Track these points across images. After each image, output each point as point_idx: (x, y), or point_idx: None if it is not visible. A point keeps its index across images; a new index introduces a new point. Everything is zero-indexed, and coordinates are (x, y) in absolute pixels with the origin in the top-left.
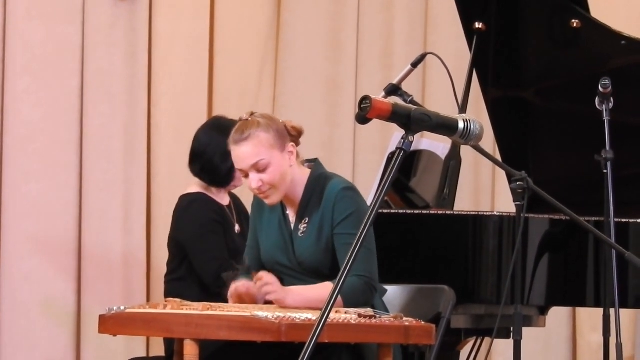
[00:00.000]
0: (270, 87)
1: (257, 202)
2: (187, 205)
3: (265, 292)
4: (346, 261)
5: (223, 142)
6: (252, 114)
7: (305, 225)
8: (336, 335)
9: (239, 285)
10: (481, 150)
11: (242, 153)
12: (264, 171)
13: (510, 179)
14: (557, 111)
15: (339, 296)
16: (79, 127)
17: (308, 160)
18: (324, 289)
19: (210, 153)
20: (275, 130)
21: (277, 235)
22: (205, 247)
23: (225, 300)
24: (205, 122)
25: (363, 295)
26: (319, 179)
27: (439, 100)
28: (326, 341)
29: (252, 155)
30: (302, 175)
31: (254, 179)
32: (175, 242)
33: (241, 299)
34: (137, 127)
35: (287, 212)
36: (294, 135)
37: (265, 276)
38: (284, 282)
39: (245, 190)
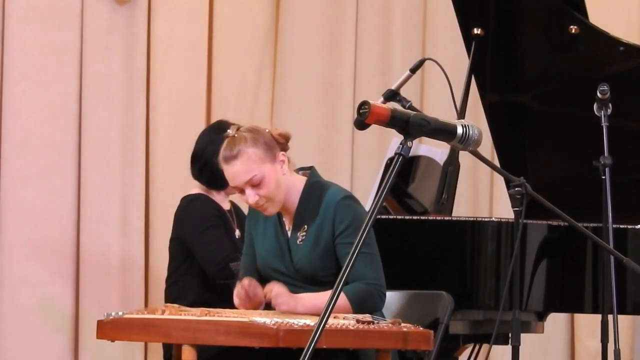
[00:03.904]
0: (268, 91)
1: (253, 210)
2: (188, 204)
3: (276, 304)
4: (344, 268)
5: (222, 143)
6: (237, 128)
7: (305, 233)
8: (334, 341)
9: (245, 283)
10: (479, 156)
11: (234, 171)
12: (259, 186)
13: (509, 184)
14: (555, 116)
15: (348, 303)
16: (77, 131)
17: (303, 168)
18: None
19: (209, 154)
20: (263, 143)
21: (273, 242)
22: (208, 240)
23: (230, 293)
24: (208, 126)
25: (372, 302)
26: (315, 187)
27: (438, 105)
28: (324, 347)
29: (244, 172)
30: (297, 182)
31: (250, 194)
32: (176, 242)
33: (249, 299)
34: (135, 131)
35: (283, 220)
36: (282, 142)
37: (275, 288)
38: None
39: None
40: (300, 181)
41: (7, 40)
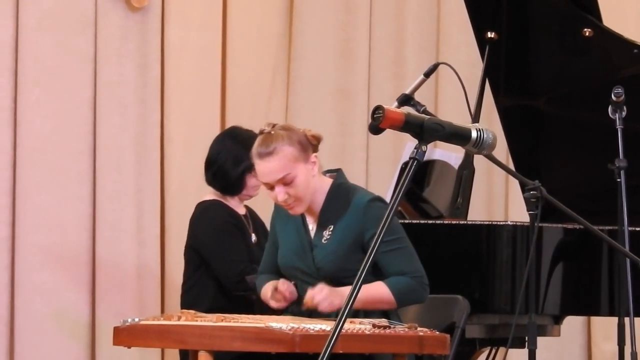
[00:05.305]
0: (282, 97)
1: (277, 208)
2: (202, 211)
3: (317, 301)
4: (364, 263)
5: (235, 148)
6: (273, 126)
7: (330, 232)
8: (350, 346)
9: (279, 283)
10: (494, 160)
11: (267, 167)
12: (290, 184)
13: (524, 188)
14: (569, 120)
15: (392, 296)
16: (92, 138)
17: (330, 171)
18: (376, 287)
19: (222, 160)
20: (298, 143)
21: (295, 241)
22: (224, 250)
23: (246, 303)
24: (221, 132)
25: (416, 294)
26: (341, 188)
27: (452, 109)
28: (340, 351)
29: (278, 169)
30: (323, 183)
31: (280, 192)
32: (191, 249)
33: (286, 300)
34: (149, 138)
35: (307, 219)
36: (315, 144)
37: (321, 292)
38: (298, 287)
39: (258, 202)
40: (326, 183)
41: (21, 47)
